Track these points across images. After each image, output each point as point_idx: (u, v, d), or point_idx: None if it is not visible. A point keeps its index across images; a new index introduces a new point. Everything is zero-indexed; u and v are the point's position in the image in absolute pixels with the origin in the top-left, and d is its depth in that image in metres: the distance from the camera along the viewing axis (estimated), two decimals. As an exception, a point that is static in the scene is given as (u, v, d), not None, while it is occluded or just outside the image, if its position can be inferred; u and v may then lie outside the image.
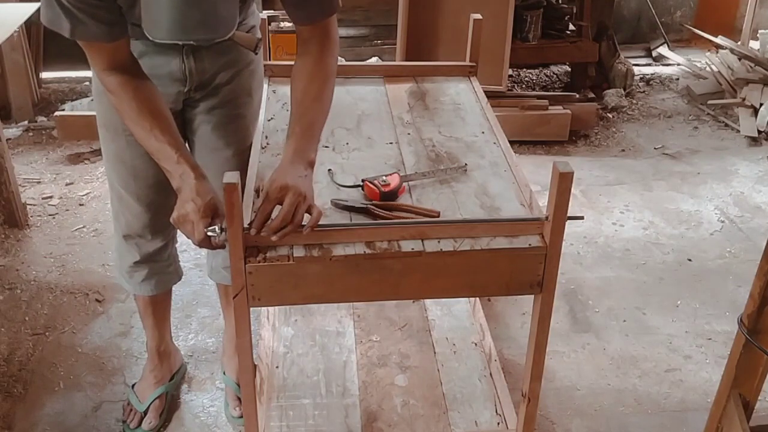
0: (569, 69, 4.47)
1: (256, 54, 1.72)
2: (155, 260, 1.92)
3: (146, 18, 1.24)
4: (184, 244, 2.84)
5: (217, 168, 1.64)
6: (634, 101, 4.33)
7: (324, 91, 1.55)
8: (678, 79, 4.63)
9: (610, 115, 4.13)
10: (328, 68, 1.57)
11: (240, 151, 1.77)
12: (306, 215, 1.35)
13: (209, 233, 1.40)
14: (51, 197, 3.15)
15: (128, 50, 1.51)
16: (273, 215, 1.35)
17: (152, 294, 1.97)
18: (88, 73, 1.78)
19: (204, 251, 2.78)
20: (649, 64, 4.88)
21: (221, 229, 1.39)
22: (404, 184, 1.55)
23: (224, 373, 2.15)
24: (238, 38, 1.63)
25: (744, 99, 4.09)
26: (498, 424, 1.89)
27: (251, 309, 1.40)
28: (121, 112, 1.51)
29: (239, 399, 2.05)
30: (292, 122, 1.51)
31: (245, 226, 1.35)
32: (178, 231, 1.49)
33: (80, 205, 3.11)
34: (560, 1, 4.16)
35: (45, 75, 4.15)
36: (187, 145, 1.83)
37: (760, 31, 4.63)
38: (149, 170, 1.73)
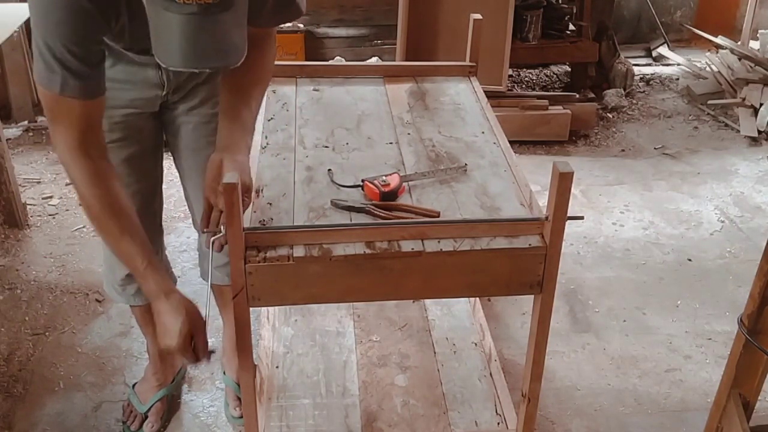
0: (569, 69, 4.47)
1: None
2: None
3: (157, 46, 1.20)
4: (183, 244, 2.84)
5: (201, 168, 1.63)
6: (634, 101, 4.33)
7: (262, 68, 1.56)
8: (678, 79, 4.63)
9: (610, 115, 4.13)
10: (268, 62, 1.59)
11: None
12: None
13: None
14: (51, 197, 3.15)
15: (101, 120, 1.42)
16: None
17: (146, 303, 1.95)
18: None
19: (203, 251, 2.77)
20: (649, 64, 4.88)
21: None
22: (404, 184, 1.55)
23: (224, 373, 2.15)
24: None
25: (744, 99, 4.09)
26: (498, 424, 1.89)
27: (251, 309, 1.40)
28: (86, 206, 1.44)
29: (239, 399, 2.04)
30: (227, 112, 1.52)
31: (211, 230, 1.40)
32: (167, 236, 1.47)
33: (80, 205, 3.10)
34: (560, 1, 4.16)
35: (45, 75, 4.15)
36: (168, 147, 1.84)
37: (760, 31, 4.63)
38: (130, 177, 1.72)
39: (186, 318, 1.43)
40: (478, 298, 2.30)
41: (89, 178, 1.39)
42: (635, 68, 4.50)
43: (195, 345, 1.45)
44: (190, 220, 3.00)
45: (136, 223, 1.45)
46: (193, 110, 1.73)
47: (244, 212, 1.35)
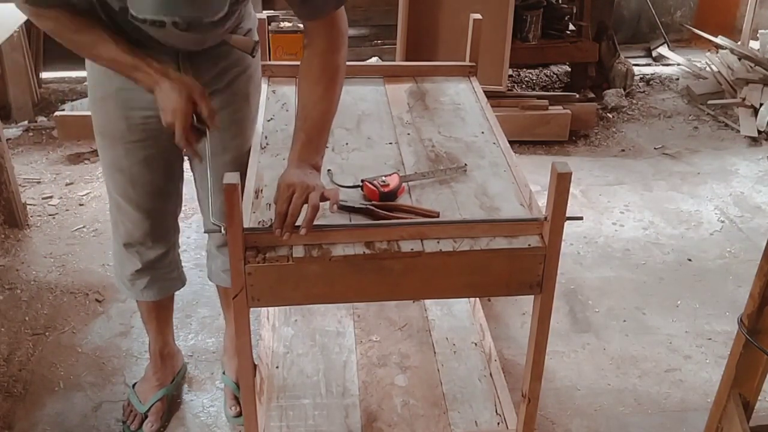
0: (569, 69, 4.46)
1: (254, 57, 1.68)
2: (157, 267, 1.90)
3: None
4: (183, 244, 2.84)
5: (216, 173, 1.63)
6: (634, 101, 4.33)
7: (330, 90, 1.52)
8: (678, 79, 4.63)
9: (610, 115, 4.13)
10: (336, 65, 1.52)
11: (238, 156, 1.75)
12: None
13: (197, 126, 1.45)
14: (51, 197, 3.15)
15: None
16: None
17: (155, 300, 1.97)
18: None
19: (203, 252, 2.77)
20: (649, 64, 4.88)
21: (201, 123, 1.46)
22: (404, 184, 1.55)
23: (224, 373, 2.15)
24: (235, 41, 1.61)
25: (744, 99, 4.09)
26: (498, 424, 1.89)
27: (251, 309, 1.40)
28: (60, 32, 1.47)
29: (237, 398, 2.05)
30: (298, 127, 1.50)
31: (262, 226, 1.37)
32: (180, 236, 1.48)
33: (80, 205, 3.11)
34: (560, 1, 4.16)
35: (45, 75, 4.15)
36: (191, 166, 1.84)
37: (760, 31, 4.63)
38: (147, 176, 1.72)
39: (184, 86, 1.44)
40: (478, 298, 2.30)
41: (43, 16, 1.44)
42: (635, 68, 4.50)
43: (199, 114, 1.45)
44: (191, 220, 3.03)
45: (108, 32, 1.46)
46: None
47: (334, 203, 1.36)
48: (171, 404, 2.10)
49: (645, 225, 3.08)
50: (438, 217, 1.45)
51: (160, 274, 1.92)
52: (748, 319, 1.47)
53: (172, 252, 1.94)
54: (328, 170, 1.61)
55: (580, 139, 3.85)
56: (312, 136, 1.47)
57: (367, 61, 4.11)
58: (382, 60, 4.20)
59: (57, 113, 3.54)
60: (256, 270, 1.34)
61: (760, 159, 3.69)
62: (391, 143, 1.76)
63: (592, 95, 4.17)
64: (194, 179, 1.86)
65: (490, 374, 2.05)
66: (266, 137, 1.76)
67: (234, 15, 1.46)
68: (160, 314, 2.04)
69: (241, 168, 1.65)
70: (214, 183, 1.49)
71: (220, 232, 1.35)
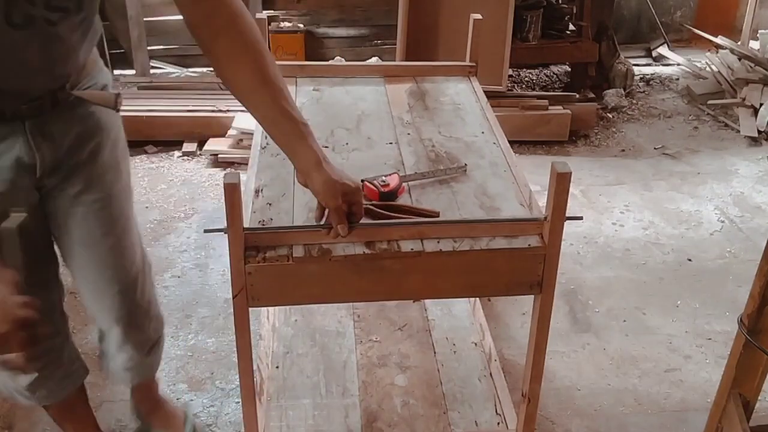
0: (569, 69, 4.47)
1: (118, 111, 1.44)
2: (52, 370, 1.61)
3: None
4: (183, 244, 2.84)
5: (99, 264, 1.47)
6: (634, 101, 4.33)
7: (271, 80, 1.26)
8: (678, 79, 4.64)
9: (610, 115, 4.13)
10: (258, 47, 1.25)
11: (122, 237, 1.52)
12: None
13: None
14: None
15: None
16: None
17: (63, 399, 1.70)
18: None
19: (203, 252, 2.76)
20: (649, 64, 4.89)
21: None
22: (404, 184, 1.55)
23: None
24: (90, 96, 1.39)
25: (744, 99, 4.10)
26: (498, 424, 1.89)
27: (251, 309, 1.40)
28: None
29: None
30: (277, 136, 1.32)
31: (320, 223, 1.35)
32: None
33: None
34: (560, 1, 4.17)
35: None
36: (55, 244, 1.52)
37: (760, 31, 4.63)
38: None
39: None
40: (478, 298, 2.30)
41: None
42: (635, 68, 4.50)
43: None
44: (191, 220, 3.03)
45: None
46: (80, 197, 1.45)
47: (360, 217, 1.34)
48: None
49: (645, 225, 3.09)
50: (438, 217, 1.45)
51: (60, 372, 1.65)
52: (748, 319, 1.47)
53: (67, 343, 1.66)
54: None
55: (580, 139, 3.86)
56: (295, 136, 1.29)
57: (367, 61, 4.11)
58: (382, 60, 4.21)
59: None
60: (256, 270, 1.34)
61: (760, 159, 3.69)
62: (391, 143, 1.76)
63: (592, 95, 4.17)
64: (73, 277, 1.59)
65: (490, 374, 2.05)
66: (266, 137, 1.76)
67: (83, 18, 1.26)
68: (77, 411, 1.83)
69: (129, 250, 1.51)
70: (96, 279, 1.36)
71: (222, 232, 1.35)
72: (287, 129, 1.28)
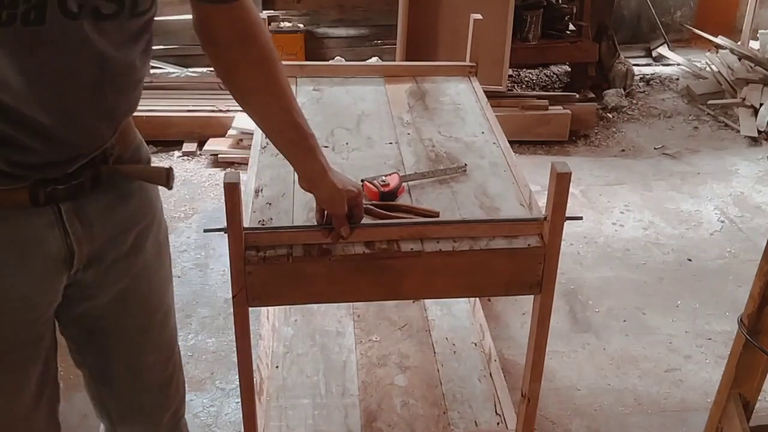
0: (569, 69, 4.47)
1: (171, 189, 1.19)
2: None
3: None
4: (183, 244, 2.84)
5: (135, 363, 1.27)
6: (634, 101, 4.33)
7: (284, 91, 1.21)
8: (678, 79, 4.63)
9: (610, 115, 4.13)
10: (274, 56, 1.19)
11: (162, 332, 1.32)
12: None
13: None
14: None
15: None
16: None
17: None
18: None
19: (203, 252, 2.76)
20: (649, 64, 4.89)
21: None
22: (404, 184, 1.55)
23: None
24: (140, 173, 1.17)
25: (744, 99, 4.10)
26: (498, 424, 1.89)
27: (251, 309, 1.40)
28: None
29: None
30: (284, 146, 1.28)
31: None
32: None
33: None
34: (560, 1, 4.16)
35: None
36: (79, 357, 1.29)
37: (760, 31, 4.63)
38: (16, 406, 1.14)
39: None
40: (478, 298, 2.30)
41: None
42: (635, 68, 4.50)
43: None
44: (191, 220, 3.03)
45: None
46: (120, 294, 1.19)
47: (361, 219, 1.35)
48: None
49: (645, 225, 3.08)
50: (438, 216, 1.45)
51: None
52: (748, 319, 1.47)
53: None
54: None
55: (580, 139, 3.86)
56: (303, 145, 1.26)
57: (367, 61, 4.11)
58: (382, 60, 4.20)
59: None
60: (256, 269, 1.34)
61: (760, 159, 3.69)
62: (391, 143, 1.76)
63: (592, 95, 4.17)
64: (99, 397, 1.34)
65: (490, 374, 2.05)
66: (266, 137, 1.76)
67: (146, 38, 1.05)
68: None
69: (174, 340, 1.34)
70: (150, 385, 1.24)
71: (222, 231, 1.35)
72: (295, 141, 1.25)
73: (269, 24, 3.44)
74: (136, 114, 1.13)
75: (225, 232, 1.32)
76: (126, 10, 0.95)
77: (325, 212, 1.34)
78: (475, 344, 2.16)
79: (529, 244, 1.40)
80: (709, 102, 4.22)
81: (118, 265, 1.16)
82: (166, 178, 1.15)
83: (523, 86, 4.49)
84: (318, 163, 1.26)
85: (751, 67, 4.33)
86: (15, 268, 1.03)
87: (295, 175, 1.33)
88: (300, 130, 1.23)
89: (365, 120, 1.87)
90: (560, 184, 1.33)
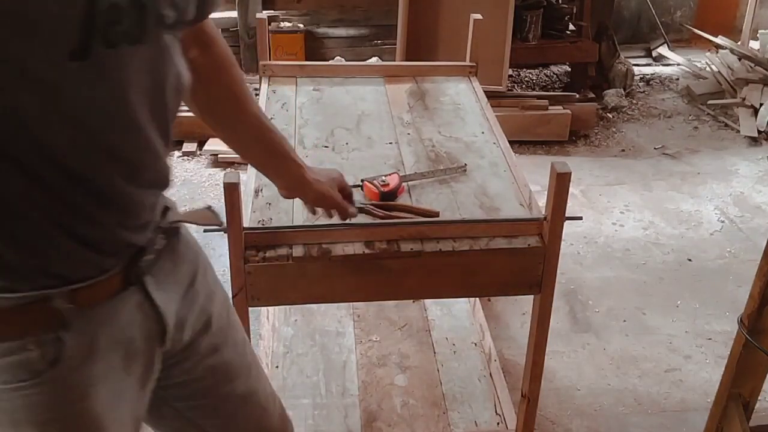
0: (569, 69, 4.46)
1: (223, 227, 1.22)
2: None
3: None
4: (184, 244, 2.84)
5: (252, 410, 1.21)
6: (634, 101, 4.33)
7: (251, 97, 1.16)
8: (678, 79, 4.63)
9: (610, 115, 4.12)
10: (236, 64, 1.14)
11: (258, 378, 1.25)
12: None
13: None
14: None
15: None
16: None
17: None
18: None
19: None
20: (649, 64, 4.88)
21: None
22: (404, 184, 1.55)
23: None
24: (196, 218, 1.12)
25: (744, 99, 4.09)
26: (498, 424, 1.89)
27: (251, 309, 1.40)
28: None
29: None
30: (260, 156, 1.22)
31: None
32: None
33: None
34: (560, 1, 4.16)
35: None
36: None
37: (760, 31, 4.63)
38: None
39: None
40: (478, 298, 2.30)
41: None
42: (635, 68, 4.50)
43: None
44: (190, 220, 3.02)
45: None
46: (216, 348, 1.08)
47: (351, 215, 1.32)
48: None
49: (645, 225, 3.08)
50: (438, 216, 1.45)
51: None
52: (748, 319, 1.47)
53: None
54: (328, 170, 1.61)
55: (580, 139, 3.85)
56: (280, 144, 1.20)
57: (367, 61, 4.11)
58: (382, 60, 4.20)
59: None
60: (256, 269, 1.34)
61: (760, 159, 3.69)
62: (391, 143, 1.76)
63: (592, 95, 4.17)
64: None
65: (490, 374, 2.05)
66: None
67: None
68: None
69: (274, 403, 1.30)
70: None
71: (222, 231, 1.35)
72: (270, 147, 1.17)
73: (269, 24, 3.44)
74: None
75: (225, 232, 1.32)
76: (196, 17, 0.88)
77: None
78: (475, 344, 2.16)
79: (528, 244, 1.40)
80: (709, 102, 4.22)
81: (201, 320, 1.04)
82: (219, 220, 1.10)
83: (523, 86, 4.49)
84: (295, 165, 1.20)
85: (751, 67, 4.33)
86: (122, 374, 0.90)
87: (279, 191, 1.26)
88: (273, 134, 1.17)
89: (365, 120, 1.87)
90: (560, 184, 1.33)
